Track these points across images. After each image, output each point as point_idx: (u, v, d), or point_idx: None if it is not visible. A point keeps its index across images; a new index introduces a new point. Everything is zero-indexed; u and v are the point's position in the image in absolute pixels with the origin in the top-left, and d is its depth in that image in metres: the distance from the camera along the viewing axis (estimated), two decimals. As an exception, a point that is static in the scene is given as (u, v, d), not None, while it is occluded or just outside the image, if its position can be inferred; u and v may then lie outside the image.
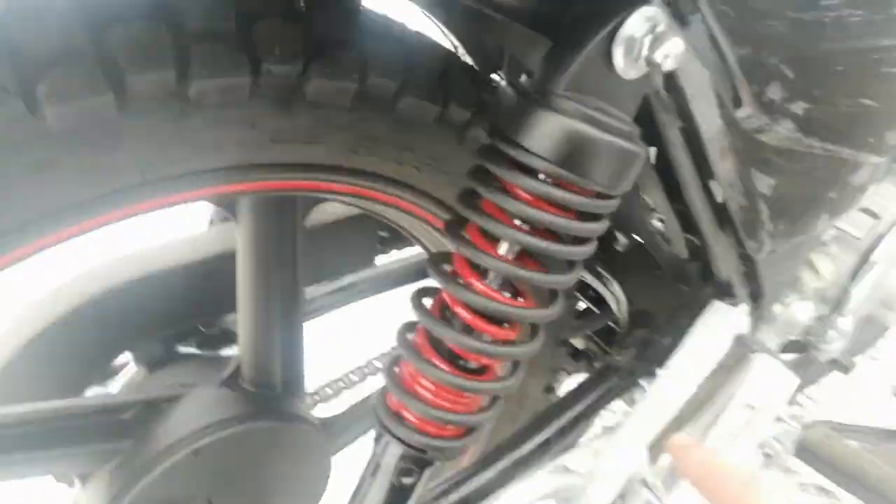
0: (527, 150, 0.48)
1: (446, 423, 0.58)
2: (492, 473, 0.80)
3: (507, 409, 1.03)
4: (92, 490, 0.73)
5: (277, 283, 0.75)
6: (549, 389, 1.07)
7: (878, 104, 0.68)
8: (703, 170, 0.70)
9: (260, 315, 0.76)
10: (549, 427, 0.86)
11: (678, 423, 0.67)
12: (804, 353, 1.15)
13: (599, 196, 0.51)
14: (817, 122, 0.67)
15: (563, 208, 0.51)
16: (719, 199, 0.74)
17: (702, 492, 0.45)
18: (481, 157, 0.53)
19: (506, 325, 0.57)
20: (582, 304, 1.26)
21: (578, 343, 1.26)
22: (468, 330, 0.55)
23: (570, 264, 0.56)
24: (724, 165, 0.68)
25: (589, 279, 1.09)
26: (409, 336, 0.60)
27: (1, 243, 0.51)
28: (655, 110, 0.63)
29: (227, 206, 0.70)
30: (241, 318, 0.76)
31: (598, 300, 1.22)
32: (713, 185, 0.72)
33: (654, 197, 0.75)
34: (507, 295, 0.56)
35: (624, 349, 0.94)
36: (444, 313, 0.58)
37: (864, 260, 1.00)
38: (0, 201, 0.48)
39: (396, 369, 0.61)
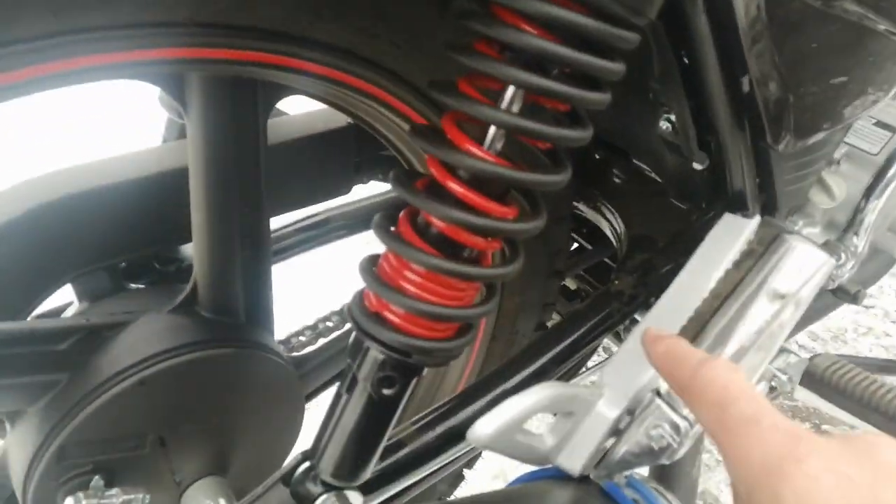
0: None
1: (436, 318, 0.49)
2: (481, 404, 0.72)
3: (497, 349, 0.95)
4: (21, 430, 0.63)
5: (235, 189, 0.65)
6: (541, 327, 0.99)
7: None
8: (735, 62, 0.61)
9: (216, 224, 0.66)
10: (543, 356, 0.78)
11: (698, 322, 0.58)
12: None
13: (619, 22, 0.42)
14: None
15: (576, 40, 0.42)
16: (745, 87, 0.66)
17: (665, 380, 0.46)
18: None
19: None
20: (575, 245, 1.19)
21: (571, 284, 1.18)
22: (461, 206, 0.46)
23: (580, 121, 0.47)
24: (755, 40, 0.60)
25: (584, 209, 1.02)
26: (391, 226, 0.51)
27: None
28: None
29: (175, 93, 0.60)
30: (196, 231, 0.66)
31: (591, 237, 1.15)
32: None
33: (668, 84, 0.67)
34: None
35: (624, 274, 0.85)
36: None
37: (880, 177, 0.93)
38: None
39: (375, 268, 0.52)
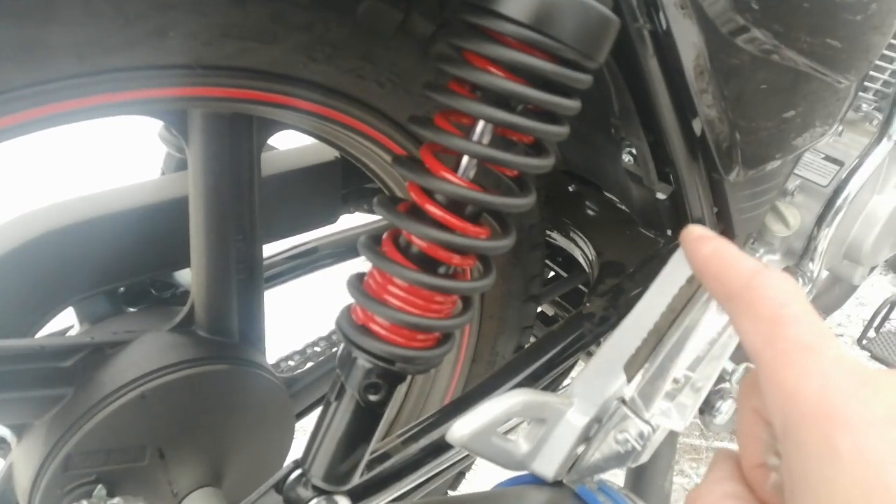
0: (497, 14, 0.46)
1: (417, 328, 0.54)
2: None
3: (478, 370, 0.99)
4: (28, 443, 0.67)
5: (232, 217, 0.71)
6: (520, 350, 1.04)
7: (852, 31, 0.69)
8: (686, 104, 0.68)
9: (213, 249, 0.71)
10: (521, 372, 0.83)
11: (656, 335, 0.64)
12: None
13: (574, 66, 0.48)
14: (795, 34, 0.67)
15: (536, 80, 0.48)
16: (697, 131, 0.73)
17: (707, 285, 0.39)
18: (447, 35, 0.50)
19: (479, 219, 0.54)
20: (551, 273, 1.25)
21: (548, 310, 1.24)
22: (439, 227, 0.52)
23: (541, 150, 0.53)
24: (701, 86, 0.67)
25: (558, 238, 1.08)
26: (376, 246, 0.56)
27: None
28: (633, 39, 0.62)
29: (179, 127, 0.66)
30: (195, 255, 0.72)
31: (566, 265, 1.21)
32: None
33: (627, 121, 0.74)
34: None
35: (596, 297, 0.91)
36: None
37: (829, 207, 1.00)
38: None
39: (361, 284, 0.57)
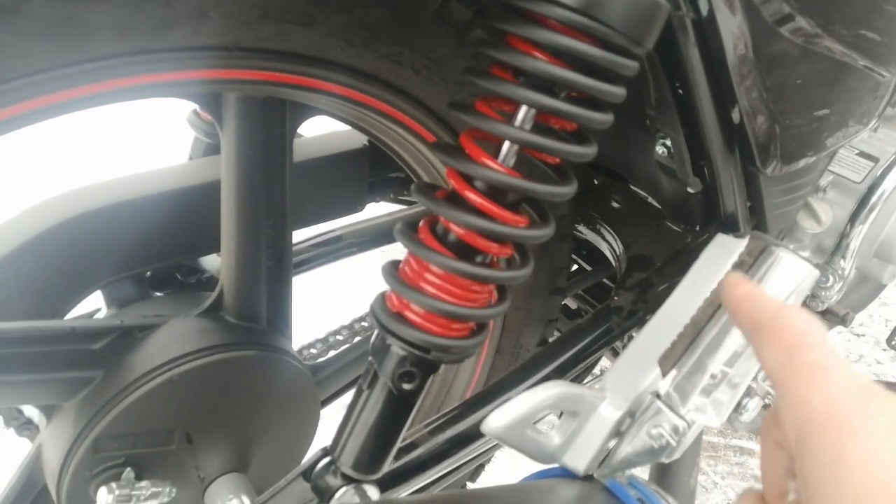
0: (545, -2, 0.45)
1: (454, 317, 0.53)
2: (489, 409, 0.75)
3: (501, 363, 0.99)
4: (58, 424, 0.67)
5: (263, 202, 0.70)
6: (544, 343, 1.03)
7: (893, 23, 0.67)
8: (726, 95, 0.67)
9: (244, 235, 0.70)
10: (548, 365, 0.82)
11: (693, 329, 0.63)
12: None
13: (622, 51, 0.47)
14: (837, 24, 0.66)
15: (582, 66, 0.47)
16: (736, 119, 0.71)
17: (738, 321, 0.43)
18: (490, 19, 0.49)
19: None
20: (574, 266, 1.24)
21: (571, 303, 1.23)
22: (478, 214, 0.51)
23: (585, 139, 0.52)
24: (743, 77, 0.65)
25: (585, 232, 1.07)
26: (413, 233, 0.55)
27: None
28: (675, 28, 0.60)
29: (213, 111, 0.65)
30: (225, 240, 0.71)
31: (591, 259, 1.20)
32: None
33: (664, 112, 0.72)
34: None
35: (623, 291, 0.90)
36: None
37: (863, 204, 0.98)
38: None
39: (397, 272, 0.57)
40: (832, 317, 1.08)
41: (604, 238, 1.04)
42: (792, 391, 0.35)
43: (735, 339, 0.61)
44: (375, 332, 0.58)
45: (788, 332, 0.38)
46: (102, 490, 0.63)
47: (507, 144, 0.51)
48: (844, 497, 0.30)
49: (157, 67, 0.53)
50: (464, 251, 0.53)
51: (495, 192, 0.52)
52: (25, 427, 0.80)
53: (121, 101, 0.55)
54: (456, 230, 0.53)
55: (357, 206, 0.95)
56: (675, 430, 0.63)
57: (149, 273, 0.84)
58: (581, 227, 1.05)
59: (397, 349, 0.56)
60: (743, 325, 0.42)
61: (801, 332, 0.37)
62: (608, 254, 1.04)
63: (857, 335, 2.03)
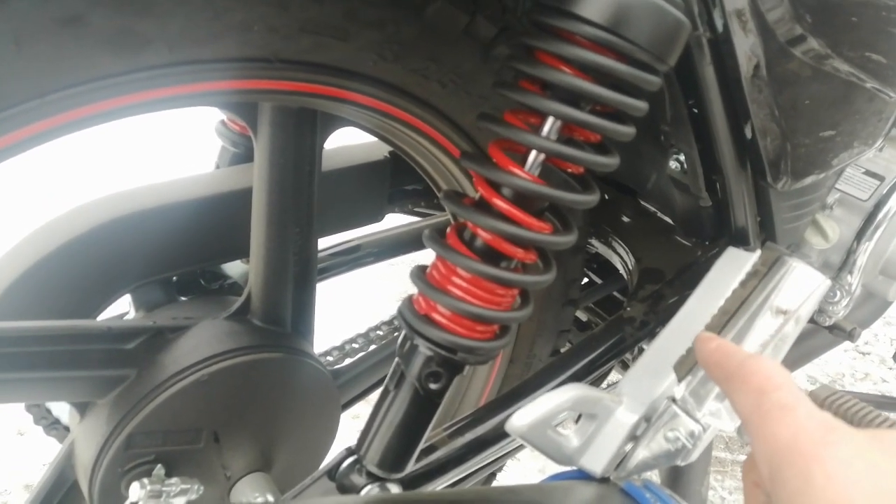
0: (576, 17, 0.48)
1: (480, 319, 0.56)
2: (505, 415, 0.77)
3: (515, 372, 1.01)
4: (91, 421, 0.69)
5: (292, 209, 0.73)
6: (556, 354, 1.05)
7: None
8: (739, 112, 0.70)
9: (273, 241, 0.73)
10: (561, 374, 0.84)
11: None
12: (808, 324, 1.15)
13: (645, 67, 0.50)
14: (845, 46, 0.69)
15: (607, 80, 0.50)
16: (748, 135, 0.74)
17: (711, 372, 0.48)
18: (519, 36, 0.52)
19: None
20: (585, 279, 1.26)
21: (582, 316, 1.25)
22: (505, 220, 0.54)
23: (608, 150, 0.55)
24: (756, 95, 0.68)
25: (597, 245, 1.09)
26: (441, 238, 0.58)
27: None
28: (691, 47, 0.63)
29: (248, 120, 0.68)
30: (254, 245, 0.74)
31: (602, 272, 1.22)
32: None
33: (679, 128, 0.75)
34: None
35: (636, 302, 0.92)
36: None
37: (870, 221, 1.01)
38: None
39: (424, 275, 0.59)
40: (839, 332, 1.10)
41: (615, 251, 1.06)
42: (761, 429, 0.39)
43: (749, 347, 0.64)
44: (402, 334, 0.61)
45: (755, 378, 0.42)
46: (135, 485, 0.65)
47: (533, 154, 0.54)
48: None
49: (202, 77, 0.56)
50: (490, 256, 0.55)
51: (521, 200, 0.54)
52: (53, 427, 0.82)
53: (167, 109, 0.58)
54: (483, 235, 0.55)
55: (378, 216, 0.97)
56: (691, 434, 0.65)
57: (175, 278, 0.87)
58: (593, 241, 1.08)
59: (424, 350, 0.58)
60: (715, 375, 0.47)
61: (766, 375, 0.42)
62: (620, 267, 1.06)
63: (863, 353, 2.05)
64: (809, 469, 0.35)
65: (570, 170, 0.57)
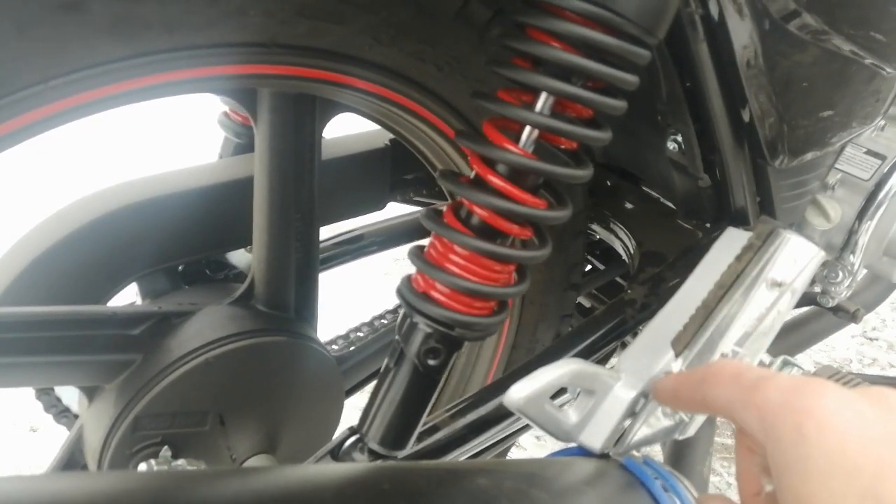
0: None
1: (477, 295, 0.56)
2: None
3: (518, 357, 1.01)
4: (99, 405, 0.70)
5: (293, 196, 0.74)
6: (558, 338, 1.05)
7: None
8: (734, 89, 0.70)
9: (275, 227, 0.74)
10: (562, 356, 0.85)
11: (704, 311, 0.66)
12: (812, 306, 1.15)
13: (635, 41, 0.51)
14: (841, 23, 0.69)
15: (597, 55, 0.51)
16: (745, 117, 0.74)
17: (677, 402, 0.54)
18: (511, 14, 0.53)
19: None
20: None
21: (585, 301, 1.25)
22: (500, 196, 0.55)
23: (600, 125, 0.56)
24: (751, 71, 0.68)
25: (599, 230, 1.10)
26: (439, 217, 0.59)
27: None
28: (684, 24, 0.64)
29: (248, 106, 0.69)
30: (257, 232, 0.75)
31: (604, 258, 1.23)
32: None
33: (674, 106, 0.76)
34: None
35: (636, 285, 0.93)
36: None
37: (871, 201, 1.01)
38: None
39: (423, 254, 0.60)
40: (843, 313, 1.10)
41: (617, 236, 1.07)
42: (751, 401, 0.40)
43: (746, 320, 0.64)
44: (401, 314, 0.62)
45: (725, 370, 0.44)
46: (142, 466, 0.66)
47: (527, 130, 0.54)
48: (809, 467, 0.35)
49: (200, 62, 0.57)
50: (486, 232, 0.56)
51: (516, 176, 0.55)
52: (63, 415, 0.83)
53: (168, 95, 0.59)
54: (479, 212, 0.56)
55: (380, 204, 0.98)
56: (689, 407, 0.65)
57: (181, 267, 0.88)
58: (595, 226, 1.08)
59: (423, 327, 0.59)
60: (684, 396, 0.51)
61: (735, 365, 0.44)
62: (621, 251, 1.07)
63: (871, 339, 2.04)
64: (801, 422, 0.36)
65: (563, 146, 0.58)
